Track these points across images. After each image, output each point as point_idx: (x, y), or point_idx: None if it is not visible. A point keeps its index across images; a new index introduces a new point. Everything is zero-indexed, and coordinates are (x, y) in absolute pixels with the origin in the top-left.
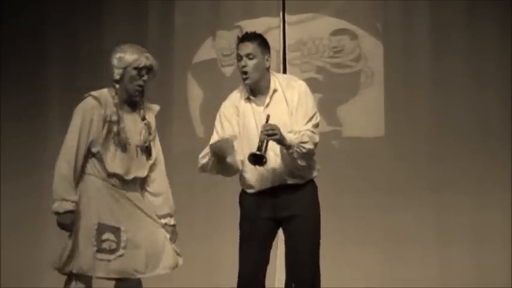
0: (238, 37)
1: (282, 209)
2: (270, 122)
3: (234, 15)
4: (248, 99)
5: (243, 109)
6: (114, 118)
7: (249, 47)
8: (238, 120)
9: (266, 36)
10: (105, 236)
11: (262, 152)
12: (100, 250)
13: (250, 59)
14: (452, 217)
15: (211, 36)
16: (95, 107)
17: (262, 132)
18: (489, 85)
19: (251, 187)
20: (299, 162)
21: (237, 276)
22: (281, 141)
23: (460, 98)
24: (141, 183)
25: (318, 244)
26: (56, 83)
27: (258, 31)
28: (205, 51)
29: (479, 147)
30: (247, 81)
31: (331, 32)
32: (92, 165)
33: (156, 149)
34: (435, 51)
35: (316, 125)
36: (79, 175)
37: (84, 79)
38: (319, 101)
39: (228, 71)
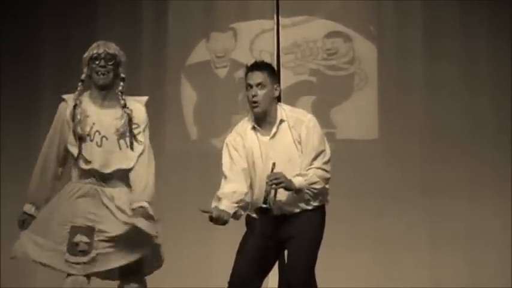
0: (247, 66)
1: (284, 231)
2: (280, 162)
3: (228, 17)
4: (254, 128)
5: (249, 139)
6: (78, 117)
7: (260, 77)
8: (245, 152)
9: (260, 39)
10: (77, 239)
11: (268, 204)
12: (72, 253)
13: (261, 88)
14: (445, 221)
15: (205, 38)
16: (64, 109)
17: (267, 183)
18: (482, 88)
19: (251, 210)
20: (312, 202)
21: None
22: (288, 188)
23: (454, 101)
24: (127, 178)
25: (313, 263)
26: (49, 86)
27: (266, 55)
28: (199, 53)
29: (473, 150)
30: (257, 110)
31: (325, 35)
32: (73, 169)
33: (145, 139)
34: (429, 54)
35: (327, 162)
36: (53, 179)
37: (77, 82)
38: (313, 103)
39: (222, 72)
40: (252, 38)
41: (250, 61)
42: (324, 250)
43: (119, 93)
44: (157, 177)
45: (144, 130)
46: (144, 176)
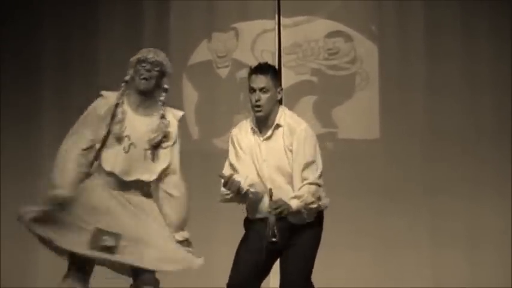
0: (250, 68)
1: (282, 237)
2: (271, 166)
3: (229, 17)
4: (252, 129)
5: (250, 139)
6: (119, 116)
7: (263, 81)
8: (246, 144)
9: (261, 39)
10: (104, 237)
11: (274, 236)
12: (97, 249)
13: (264, 92)
14: (446, 220)
15: (207, 38)
16: (101, 104)
17: (270, 212)
18: (484, 88)
19: (253, 213)
20: (308, 219)
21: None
22: (287, 213)
23: (455, 100)
24: (146, 189)
25: (310, 270)
26: (49, 87)
27: (268, 55)
28: (201, 53)
29: (474, 150)
30: (259, 114)
31: (326, 34)
32: (96, 165)
33: (172, 155)
34: (430, 54)
35: (320, 176)
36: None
37: (79, 82)
38: (314, 102)
39: (223, 72)
40: (253, 38)
41: (251, 61)
42: (324, 250)
43: (160, 103)
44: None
45: (173, 145)
46: (186, 202)
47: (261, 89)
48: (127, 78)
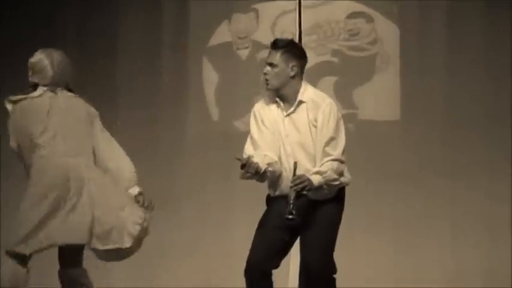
0: (270, 43)
1: (303, 214)
2: (294, 143)
3: None
4: (276, 103)
5: (272, 112)
6: None
7: (273, 56)
8: (269, 124)
9: (282, 20)
10: None
11: (292, 213)
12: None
13: (273, 67)
14: (465, 204)
15: (227, 20)
16: None
17: (291, 187)
18: (505, 72)
19: (274, 191)
20: (330, 196)
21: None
22: (309, 188)
23: (476, 84)
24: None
25: (332, 247)
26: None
27: (288, 33)
28: (221, 35)
29: (495, 133)
30: (268, 87)
31: (347, 15)
32: None
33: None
34: (451, 35)
35: (342, 152)
36: None
37: (99, 64)
38: (335, 83)
39: (243, 54)
40: (273, 19)
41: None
42: (342, 232)
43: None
44: (180, 159)
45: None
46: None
47: (270, 64)
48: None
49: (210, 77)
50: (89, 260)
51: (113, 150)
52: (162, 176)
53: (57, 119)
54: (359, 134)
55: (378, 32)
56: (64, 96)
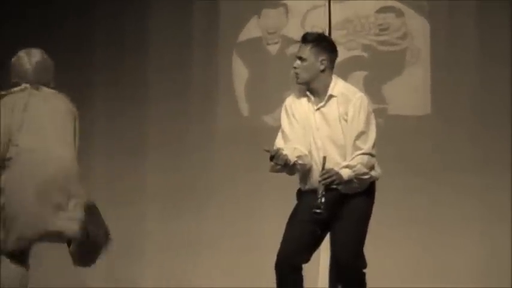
0: (302, 37)
1: (333, 208)
2: (324, 137)
3: None
4: (307, 96)
5: (303, 106)
6: None
7: (302, 49)
8: (300, 118)
9: (311, 15)
10: None
11: (320, 207)
12: None
13: (302, 61)
14: (497, 198)
15: (257, 15)
16: None
17: (320, 181)
18: None
19: (304, 185)
20: (358, 189)
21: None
22: (338, 183)
23: (505, 78)
24: None
25: (362, 241)
26: (101, 65)
27: (318, 29)
28: (251, 30)
29: None
30: (298, 81)
31: (377, 10)
32: None
33: None
34: (481, 30)
35: (373, 145)
36: None
37: (129, 59)
38: (364, 78)
39: (273, 49)
40: (303, 14)
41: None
42: (372, 226)
43: None
44: (210, 154)
45: None
46: None
47: (299, 58)
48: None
49: (240, 72)
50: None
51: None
52: (192, 170)
53: (35, 114)
54: (388, 129)
55: (408, 27)
56: (45, 93)
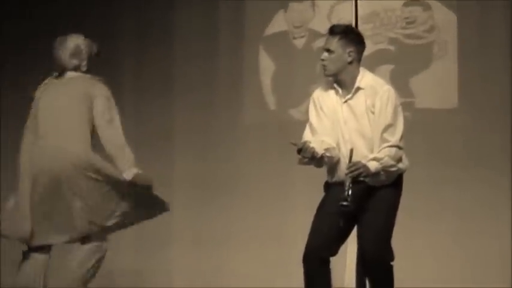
0: (329, 29)
1: (360, 201)
2: (352, 129)
3: None
4: (334, 89)
5: (330, 98)
6: None
7: (330, 41)
8: (328, 110)
9: (338, 8)
10: None
11: (348, 200)
12: None
13: (330, 53)
14: None
15: (283, 9)
16: None
17: (346, 174)
18: None
19: (331, 177)
20: (386, 182)
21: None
22: (365, 175)
23: None
24: None
25: (390, 234)
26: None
27: (345, 22)
28: (277, 24)
29: None
30: (325, 73)
31: (403, 3)
32: None
33: None
34: (511, 23)
35: (400, 138)
36: None
37: (155, 54)
38: (391, 72)
39: (299, 43)
40: (330, 8)
41: (327, 32)
42: (401, 219)
43: None
44: (236, 146)
45: None
46: None
47: (327, 50)
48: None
49: (266, 66)
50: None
51: (109, 135)
52: (218, 161)
53: (44, 105)
54: (416, 122)
55: (435, 20)
56: (65, 79)
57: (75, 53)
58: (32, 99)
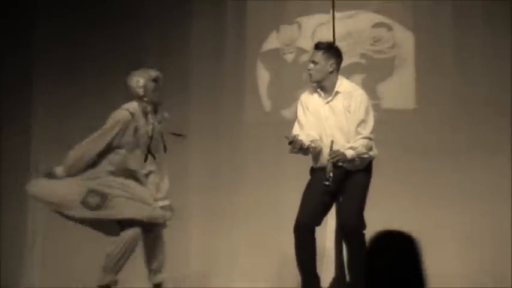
0: (314, 45)
1: (340, 182)
2: (332, 125)
3: (294, 13)
4: (318, 93)
5: (316, 101)
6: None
7: (315, 55)
8: (312, 110)
9: (319, 30)
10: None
11: (329, 181)
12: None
13: (315, 64)
14: (466, 179)
15: (276, 30)
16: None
17: (328, 160)
18: (502, 70)
19: (316, 163)
20: (360, 167)
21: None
22: (343, 161)
23: (480, 75)
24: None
25: (363, 209)
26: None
27: (326, 39)
28: (271, 42)
29: (492, 119)
30: (311, 80)
31: (371, 25)
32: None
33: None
34: (456, 39)
35: (371, 131)
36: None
37: (178, 69)
38: (362, 79)
39: (289, 57)
40: (313, 29)
41: (311, 48)
42: (371, 198)
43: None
44: (238, 145)
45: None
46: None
47: (313, 61)
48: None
49: (263, 76)
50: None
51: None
52: (225, 153)
53: None
54: (381, 120)
55: (396, 38)
56: None
57: (128, 89)
58: None
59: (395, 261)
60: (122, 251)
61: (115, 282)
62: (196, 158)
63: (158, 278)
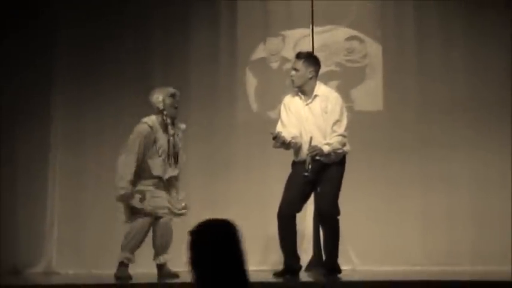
0: (296, 54)
1: (318, 174)
2: (311, 124)
3: (278, 27)
4: (299, 96)
5: (296, 102)
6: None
7: (297, 63)
8: (294, 111)
9: (301, 42)
10: None
11: (309, 172)
12: None
13: (296, 71)
14: (434, 166)
15: (263, 42)
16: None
17: (307, 154)
18: (457, 76)
19: (296, 157)
20: (335, 160)
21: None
22: (320, 155)
23: (440, 80)
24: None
25: (337, 196)
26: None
27: (306, 50)
28: (259, 52)
29: (450, 118)
30: (293, 85)
31: (345, 38)
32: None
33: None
34: (419, 46)
35: (345, 129)
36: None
37: (179, 74)
38: (337, 85)
39: (274, 66)
40: (295, 41)
41: (293, 58)
42: (344, 188)
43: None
44: (230, 140)
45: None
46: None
47: (294, 69)
48: (161, 107)
49: (252, 81)
50: None
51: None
52: (220, 147)
53: None
54: (354, 120)
55: (367, 49)
56: None
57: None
58: None
59: (217, 249)
60: (133, 232)
61: (129, 260)
62: (193, 151)
63: (161, 259)
